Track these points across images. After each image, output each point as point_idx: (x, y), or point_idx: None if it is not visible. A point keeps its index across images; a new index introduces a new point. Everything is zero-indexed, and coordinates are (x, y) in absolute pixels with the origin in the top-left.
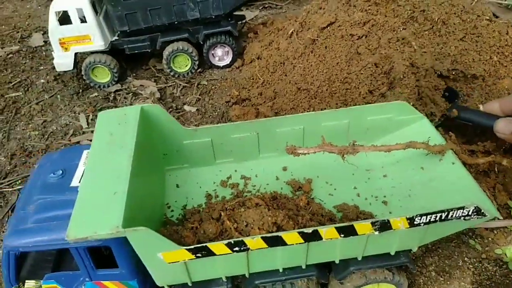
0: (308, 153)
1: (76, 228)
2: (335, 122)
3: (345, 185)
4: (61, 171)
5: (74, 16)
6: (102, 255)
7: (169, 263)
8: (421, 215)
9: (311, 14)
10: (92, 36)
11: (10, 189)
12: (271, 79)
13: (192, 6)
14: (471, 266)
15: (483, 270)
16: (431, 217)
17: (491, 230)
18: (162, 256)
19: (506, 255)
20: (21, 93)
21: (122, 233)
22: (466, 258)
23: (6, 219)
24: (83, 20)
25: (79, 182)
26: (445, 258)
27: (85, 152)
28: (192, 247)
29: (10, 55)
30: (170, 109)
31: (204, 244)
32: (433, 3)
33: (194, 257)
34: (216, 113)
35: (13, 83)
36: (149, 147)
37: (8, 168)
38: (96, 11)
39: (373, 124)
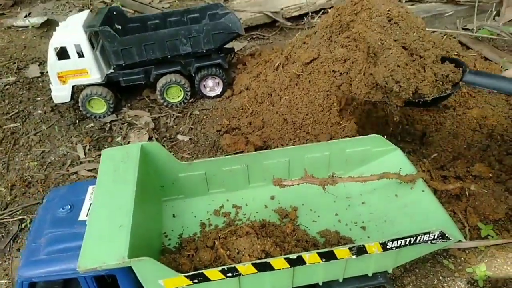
0: (293, 185)
1: (86, 260)
2: (317, 155)
3: (327, 212)
4: (69, 206)
5: (72, 52)
6: (106, 282)
7: None
8: (392, 240)
9: (296, 48)
10: (89, 69)
11: (11, 220)
12: (260, 109)
13: (185, 41)
14: (445, 284)
15: (456, 287)
16: (401, 241)
17: (463, 250)
18: (163, 283)
19: (476, 273)
20: (19, 124)
21: (128, 263)
22: (440, 277)
23: (8, 249)
24: (80, 55)
25: (87, 216)
26: (421, 278)
27: (90, 187)
28: (189, 274)
29: (7, 86)
30: (164, 139)
31: (200, 271)
32: (405, 38)
33: (192, 283)
34: (208, 142)
35: (10, 114)
36: (148, 181)
37: (8, 199)
38: (93, 46)
39: (351, 155)
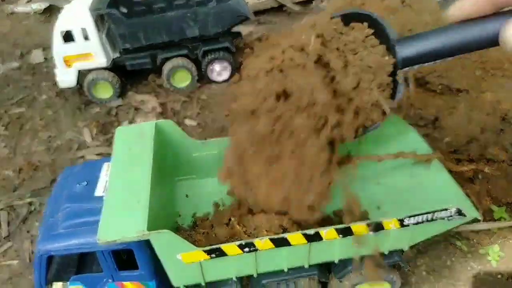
0: None
1: (105, 232)
2: None
3: (342, 192)
4: (85, 182)
5: (78, 35)
6: (122, 258)
7: (187, 263)
8: (409, 216)
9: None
10: (94, 53)
11: (21, 202)
12: None
13: (192, 24)
14: (458, 265)
15: (469, 268)
16: (418, 218)
17: (476, 232)
18: (181, 257)
19: (489, 254)
20: (24, 109)
21: (147, 236)
22: (453, 258)
23: (18, 231)
24: (86, 38)
25: (103, 191)
26: (434, 259)
27: (105, 164)
28: (207, 248)
29: (11, 72)
30: None
31: (218, 245)
32: (419, 21)
33: (209, 258)
34: (216, 127)
35: (16, 99)
36: (162, 160)
37: (17, 182)
38: (98, 30)
39: (367, 135)
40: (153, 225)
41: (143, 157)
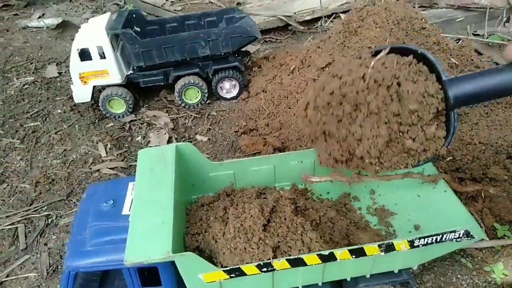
0: (320, 181)
1: (132, 254)
2: None
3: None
4: (112, 201)
5: (94, 53)
6: (144, 274)
7: (207, 282)
8: (419, 238)
9: (311, 52)
10: (110, 71)
11: (38, 215)
12: (276, 111)
13: (204, 44)
14: (463, 282)
15: (474, 285)
16: (428, 239)
17: (480, 250)
18: (203, 277)
19: (493, 271)
20: (39, 123)
21: (172, 258)
22: (459, 275)
23: (36, 243)
24: (102, 56)
25: (129, 210)
26: (440, 275)
27: (130, 183)
28: (227, 268)
29: (26, 86)
30: (183, 139)
31: (237, 266)
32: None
33: (229, 277)
34: (226, 142)
35: (30, 113)
36: (181, 180)
37: (34, 195)
38: (113, 48)
39: None
40: (176, 245)
41: (165, 178)
